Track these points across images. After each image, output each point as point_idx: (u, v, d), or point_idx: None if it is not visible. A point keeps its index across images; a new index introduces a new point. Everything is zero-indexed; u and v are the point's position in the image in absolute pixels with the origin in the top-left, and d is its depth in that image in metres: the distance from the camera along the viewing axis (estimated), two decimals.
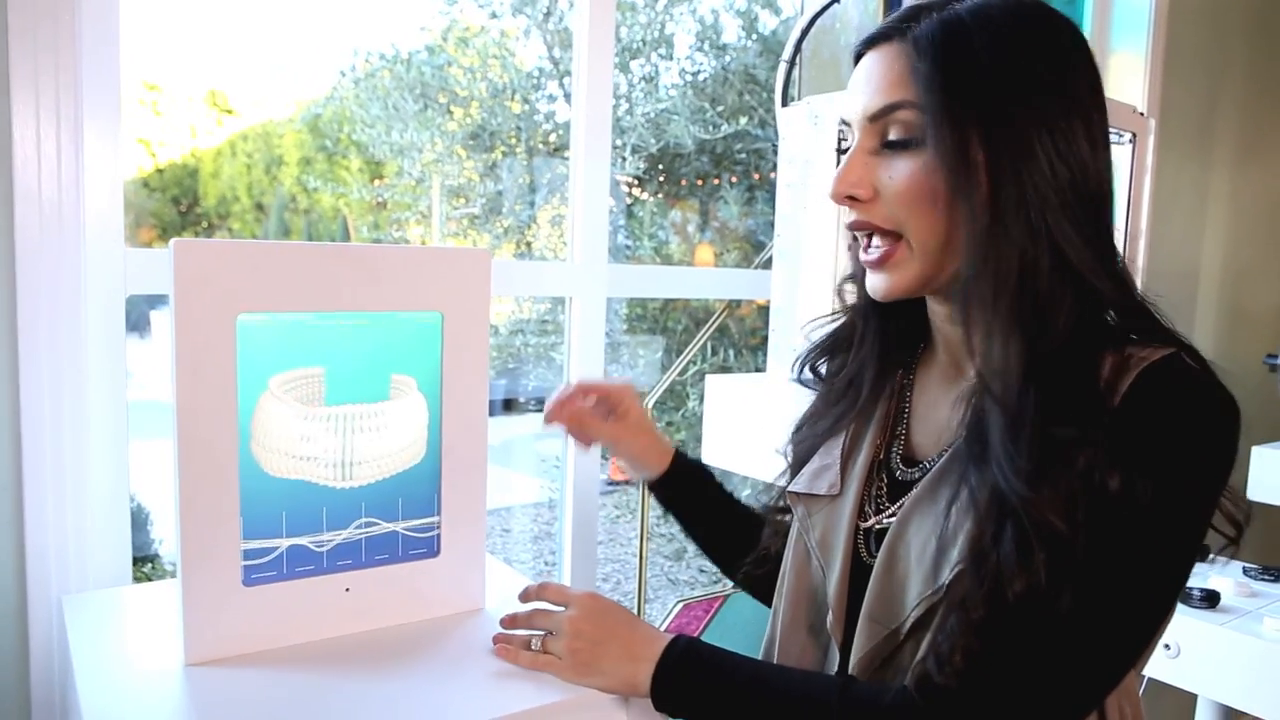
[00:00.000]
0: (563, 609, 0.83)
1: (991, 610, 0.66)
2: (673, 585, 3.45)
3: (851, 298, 0.90)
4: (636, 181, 2.78)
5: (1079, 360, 0.69)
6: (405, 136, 3.20)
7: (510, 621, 0.85)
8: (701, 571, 3.37)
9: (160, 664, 0.81)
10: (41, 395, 1.01)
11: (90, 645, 0.85)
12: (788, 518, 0.93)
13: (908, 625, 0.74)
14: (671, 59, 2.78)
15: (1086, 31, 2.26)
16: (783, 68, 1.26)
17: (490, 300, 0.92)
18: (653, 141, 2.68)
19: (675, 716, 0.78)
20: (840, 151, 0.79)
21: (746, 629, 1.64)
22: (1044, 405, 0.68)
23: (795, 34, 1.27)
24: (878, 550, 0.79)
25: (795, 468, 0.91)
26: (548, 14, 2.85)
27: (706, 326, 1.57)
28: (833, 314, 0.93)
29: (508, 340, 3.40)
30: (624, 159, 2.64)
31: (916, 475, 0.81)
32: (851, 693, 0.72)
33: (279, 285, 0.81)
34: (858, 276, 0.87)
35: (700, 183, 2.88)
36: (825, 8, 1.26)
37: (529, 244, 2.97)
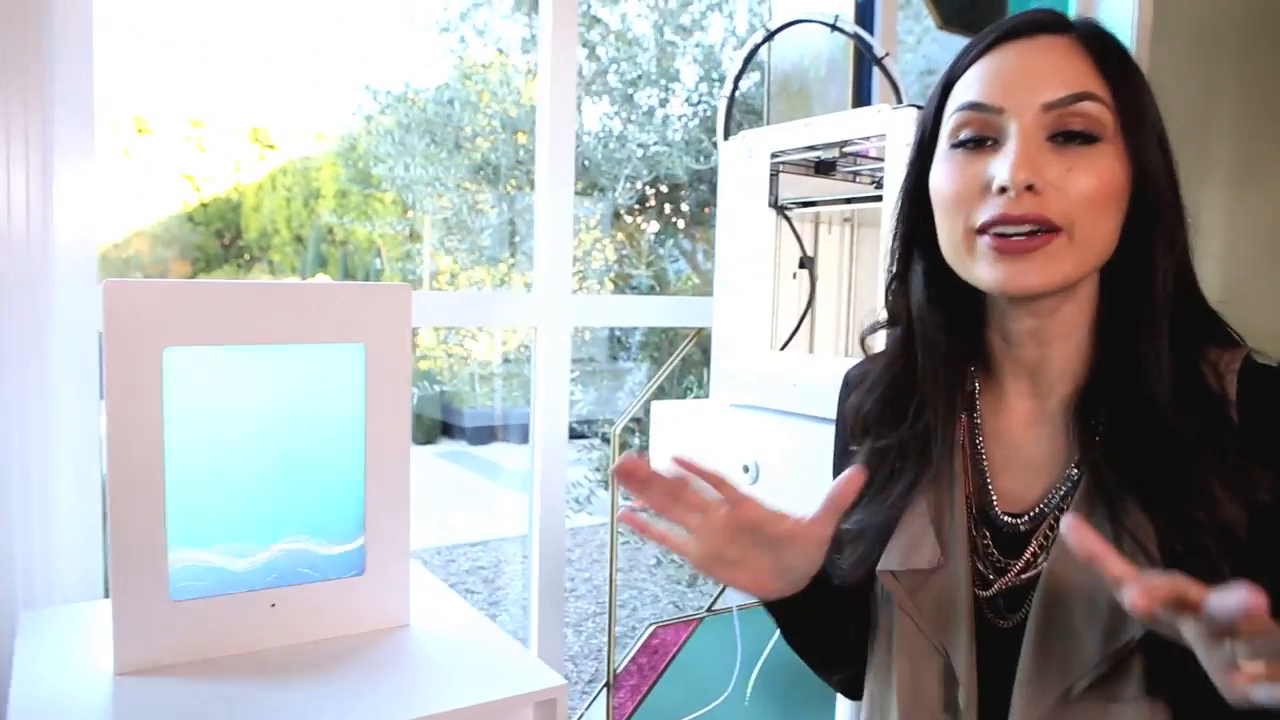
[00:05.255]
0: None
1: None
2: (678, 610, 3.47)
3: (878, 346, 0.84)
4: (638, 210, 2.85)
5: (1196, 368, 0.70)
6: (429, 171, 3.31)
7: None
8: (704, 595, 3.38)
9: (92, 673, 0.87)
10: (9, 426, 1.09)
11: (32, 656, 0.91)
12: (865, 599, 0.82)
13: (1084, 684, 0.67)
14: (673, 90, 2.84)
15: None
16: (723, 103, 1.30)
17: (410, 333, 0.97)
18: (645, 172, 2.74)
19: None
20: (961, 144, 0.71)
21: (724, 651, 1.66)
22: (1197, 419, 0.68)
23: (734, 71, 1.31)
24: (1010, 611, 0.74)
25: (873, 545, 0.79)
26: None
27: (675, 353, 1.61)
28: (875, 368, 0.84)
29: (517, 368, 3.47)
30: (625, 188, 2.71)
31: (1029, 524, 0.75)
32: None
33: (206, 321, 0.87)
34: (901, 318, 0.80)
35: (705, 210, 2.93)
36: (760, 44, 1.30)
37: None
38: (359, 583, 0.97)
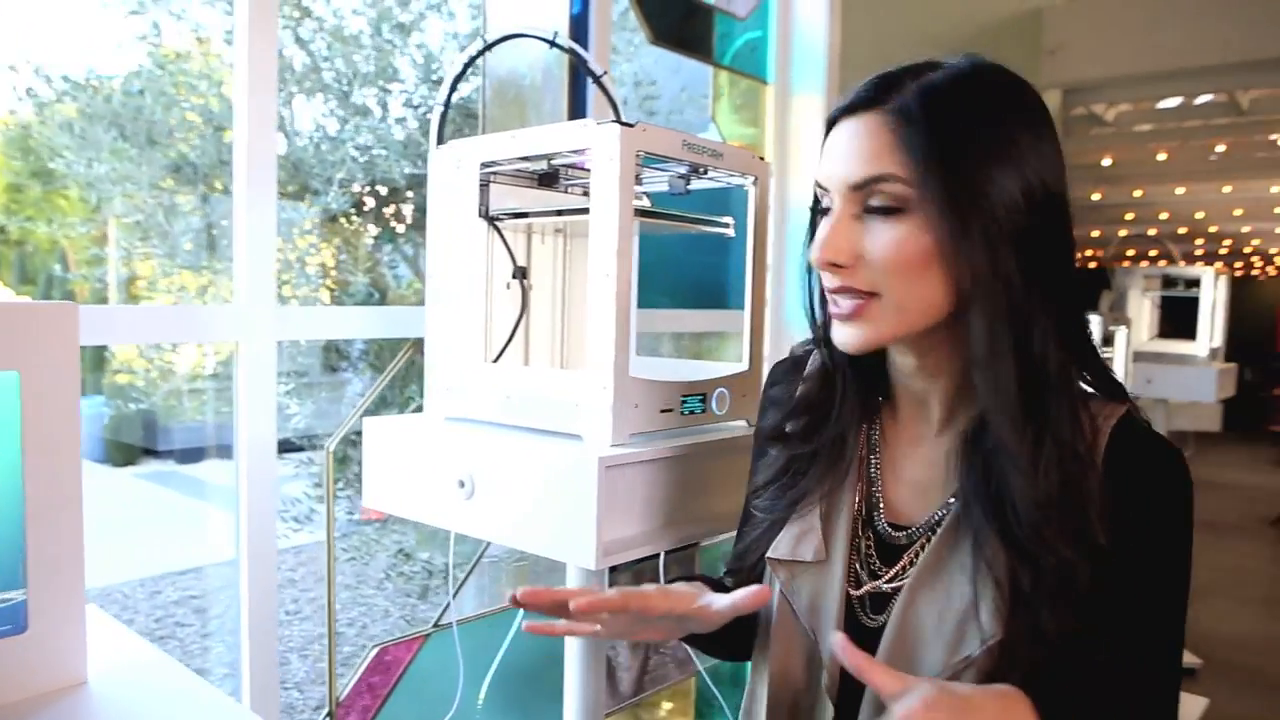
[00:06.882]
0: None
1: (1071, 677, 0.71)
2: (410, 625, 3.39)
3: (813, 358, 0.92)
4: (355, 214, 2.73)
5: (1068, 404, 0.75)
6: (119, 168, 3.01)
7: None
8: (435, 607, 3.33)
9: None
10: None
11: None
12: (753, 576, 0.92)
13: None
14: (392, 92, 2.75)
15: (770, 75, 2.44)
16: (437, 111, 1.28)
17: (78, 358, 0.87)
18: (361, 175, 2.64)
19: None
20: (817, 212, 0.82)
21: (455, 663, 1.63)
22: (1053, 455, 0.73)
23: (449, 80, 1.29)
24: (876, 613, 0.82)
25: (770, 533, 0.89)
26: None
27: (392, 364, 1.56)
28: (796, 373, 0.94)
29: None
30: (340, 191, 2.59)
31: (907, 539, 0.83)
32: None
33: None
34: (823, 346, 0.88)
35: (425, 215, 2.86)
36: (477, 55, 1.29)
37: None
38: (21, 641, 0.86)
